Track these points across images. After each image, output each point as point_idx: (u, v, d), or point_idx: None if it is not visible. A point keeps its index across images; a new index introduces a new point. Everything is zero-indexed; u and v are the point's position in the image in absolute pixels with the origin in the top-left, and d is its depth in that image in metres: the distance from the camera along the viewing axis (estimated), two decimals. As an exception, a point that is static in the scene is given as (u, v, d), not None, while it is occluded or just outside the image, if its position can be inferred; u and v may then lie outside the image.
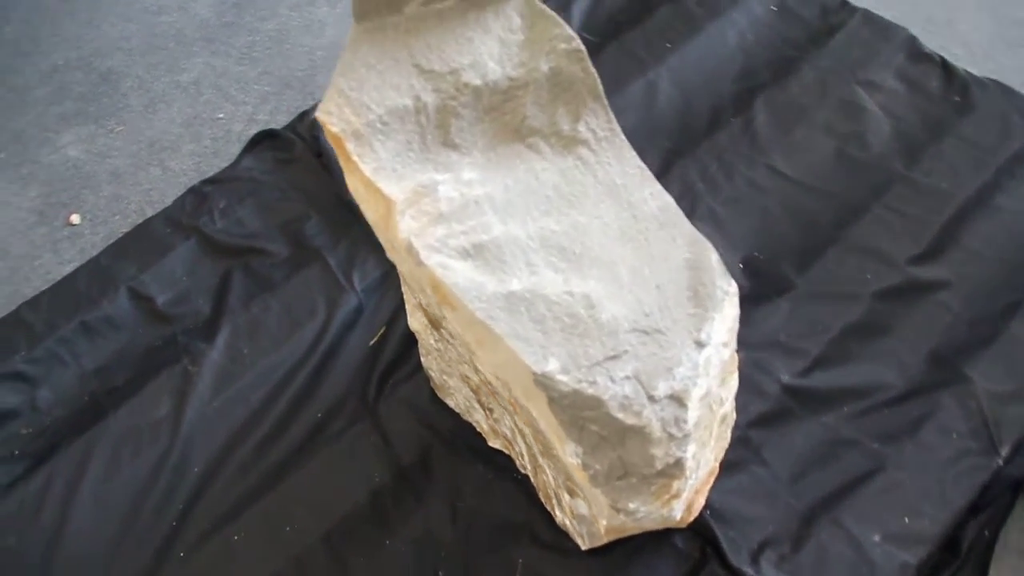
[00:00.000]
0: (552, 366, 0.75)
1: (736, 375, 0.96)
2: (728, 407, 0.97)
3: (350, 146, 0.74)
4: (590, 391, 0.77)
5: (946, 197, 1.29)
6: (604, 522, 0.90)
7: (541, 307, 0.76)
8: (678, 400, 0.80)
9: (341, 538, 1.09)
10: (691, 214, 1.30)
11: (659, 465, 0.83)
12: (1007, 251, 1.24)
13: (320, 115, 0.74)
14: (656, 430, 0.80)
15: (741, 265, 1.26)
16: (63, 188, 1.60)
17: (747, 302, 1.21)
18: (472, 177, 0.78)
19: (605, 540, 0.97)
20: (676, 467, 0.84)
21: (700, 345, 0.81)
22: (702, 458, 0.91)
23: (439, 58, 0.77)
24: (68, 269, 1.44)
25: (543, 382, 0.75)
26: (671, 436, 0.81)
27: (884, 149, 1.34)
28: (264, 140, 1.49)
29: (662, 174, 1.35)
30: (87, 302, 1.32)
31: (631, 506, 0.86)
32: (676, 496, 0.88)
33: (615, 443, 0.81)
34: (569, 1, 1.58)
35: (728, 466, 1.09)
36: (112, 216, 1.56)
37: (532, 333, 0.75)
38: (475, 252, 0.75)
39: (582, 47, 0.79)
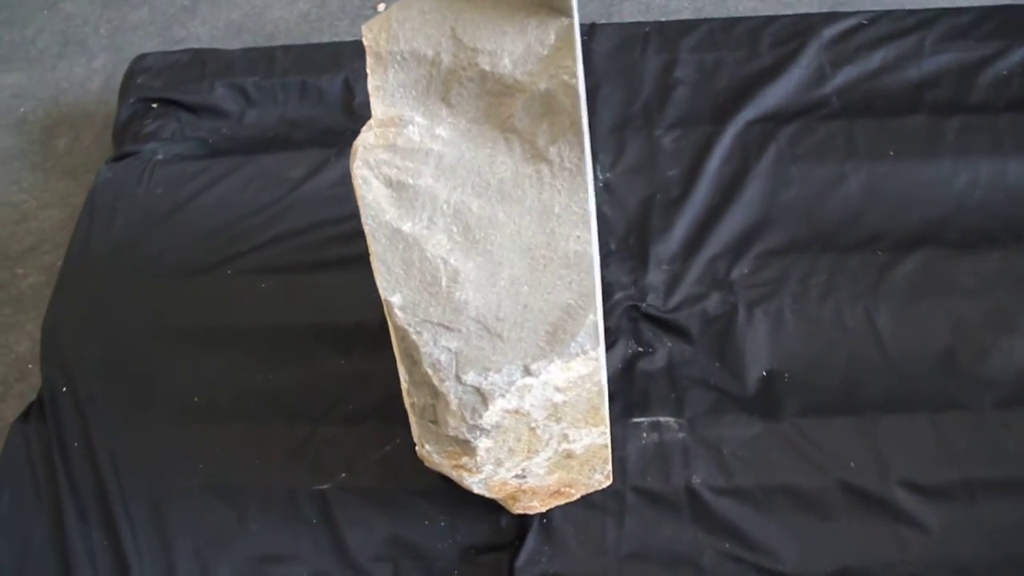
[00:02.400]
0: (395, 299, 0.90)
1: (601, 430, 1.03)
2: (578, 447, 1.04)
3: (370, 60, 0.91)
4: (413, 337, 0.91)
5: (1006, 458, 1.15)
6: (417, 447, 1.05)
7: (414, 255, 0.90)
8: (481, 395, 0.92)
9: (331, 333, 1.34)
10: (760, 301, 1.29)
11: (451, 432, 0.96)
12: (1014, 545, 1.10)
13: (364, 26, 0.91)
14: (453, 404, 0.93)
15: (764, 373, 1.24)
16: (388, -19, 1.92)
17: (732, 403, 1.22)
18: (442, 134, 0.91)
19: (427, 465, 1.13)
20: (465, 445, 0.97)
21: (526, 372, 0.91)
22: (513, 464, 1.02)
23: (471, 34, 0.89)
24: (347, 39, 1.78)
25: (386, 306, 0.91)
26: (463, 418, 0.94)
27: (993, 376, 1.20)
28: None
29: (774, 253, 1.33)
30: (316, 69, 1.64)
31: (427, 447, 1.01)
32: (466, 469, 1.01)
33: (432, 392, 0.96)
34: (844, 61, 1.51)
35: (590, 504, 1.17)
36: (400, 22, 1.85)
37: (395, 267, 0.90)
38: (396, 186, 0.90)
39: (576, 85, 0.87)
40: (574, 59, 0.87)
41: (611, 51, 1.58)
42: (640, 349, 1.28)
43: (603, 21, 1.69)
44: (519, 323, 0.91)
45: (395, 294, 0.91)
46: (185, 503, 1.22)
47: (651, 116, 1.49)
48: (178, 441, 1.27)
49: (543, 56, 0.88)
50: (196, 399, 1.31)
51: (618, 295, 1.32)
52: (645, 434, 1.21)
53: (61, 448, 1.28)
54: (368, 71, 0.92)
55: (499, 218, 0.91)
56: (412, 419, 1.02)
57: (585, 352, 0.91)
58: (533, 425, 0.97)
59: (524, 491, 1.10)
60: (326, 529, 1.19)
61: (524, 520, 1.16)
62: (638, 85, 1.53)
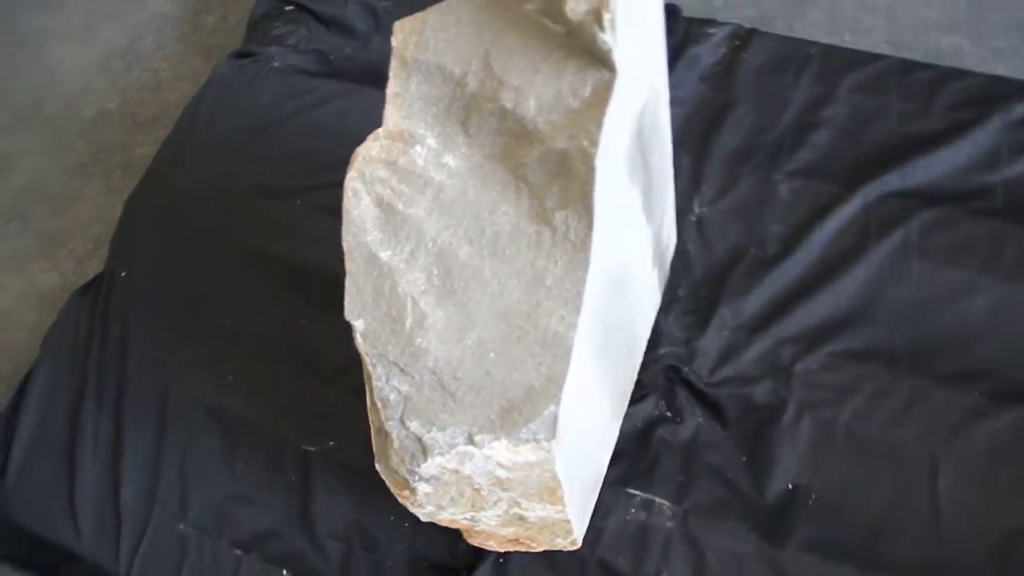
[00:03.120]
0: (359, 323, 0.85)
1: (559, 508, 0.95)
2: (532, 516, 0.97)
3: (394, 63, 0.82)
4: (369, 368, 0.86)
5: None
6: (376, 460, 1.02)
7: (386, 285, 0.83)
8: (421, 446, 0.86)
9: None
10: (816, 405, 1.13)
11: (394, 465, 0.91)
12: None
13: (396, 24, 0.82)
14: (395, 443, 0.88)
15: (790, 486, 1.10)
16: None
17: (739, 508, 1.10)
18: (450, 163, 0.82)
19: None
20: (404, 481, 0.92)
21: (470, 440, 0.84)
22: (457, 511, 0.96)
23: (503, 62, 0.78)
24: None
25: (352, 327, 0.86)
26: (403, 460, 0.88)
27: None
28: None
29: (854, 356, 1.15)
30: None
31: (379, 466, 0.96)
32: (410, 501, 0.96)
33: (381, 423, 0.90)
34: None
35: (551, 562, 1.10)
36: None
37: (366, 292, 0.84)
38: (386, 209, 0.83)
39: (595, 154, 0.74)
40: (600, 124, 0.74)
41: (761, 66, 1.38)
42: (668, 414, 1.17)
43: (774, 27, 1.48)
44: (476, 388, 0.83)
45: (359, 319, 0.85)
46: (187, 420, 1.26)
47: (778, 155, 1.31)
48: (200, 359, 1.30)
49: (572, 109, 0.77)
50: (228, 322, 1.33)
51: (664, 349, 1.19)
52: (634, 509, 1.11)
53: (103, 332, 1.35)
54: (390, 74, 0.83)
55: (485, 273, 0.82)
56: (372, 432, 0.97)
57: (537, 440, 0.82)
58: (477, 487, 0.91)
59: (478, 531, 1.05)
60: (300, 491, 1.20)
61: (481, 553, 1.11)
62: (777, 115, 1.34)
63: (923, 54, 1.47)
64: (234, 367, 1.29)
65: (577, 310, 0.80)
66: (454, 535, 1.13)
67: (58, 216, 1.64)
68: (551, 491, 0.91)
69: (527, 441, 0.83)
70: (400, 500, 0.99)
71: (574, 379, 0.84)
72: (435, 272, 0.83)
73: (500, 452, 0.84)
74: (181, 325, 1.34)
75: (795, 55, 1.38)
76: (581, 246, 0.79)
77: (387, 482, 0.97)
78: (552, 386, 0.82)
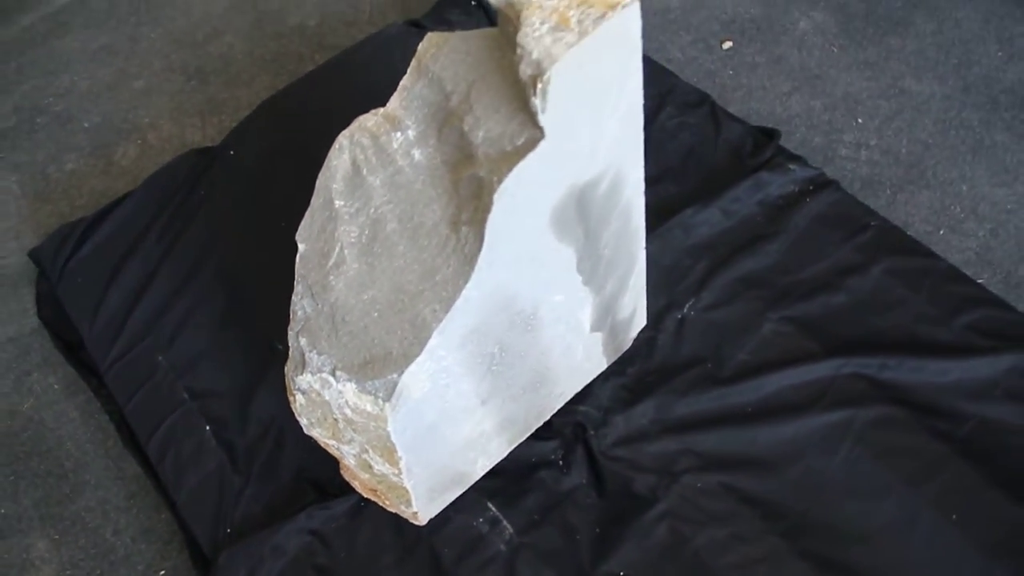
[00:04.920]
0: (301, 246, 1.03)
1: (395, 471, 1.08)
2: (376, 468, 1.11)
3: (413, 63, 0.99)
4: (294, 283, 1.04)
5: None
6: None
7: (330, 227, 1.00)
8: (303, 361, 1.02)
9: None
10: (682, 518, 1.19)
11: (287, 370, 1.08)
12: None
13: (430, 34, 0.98)
14: (290, 351, 1.05)
15: (621, 574, 1.17)
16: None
17: (567, 570, 1.17)
18: (416, 156, 0.96)
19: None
20: (290, 386, 1.09)
21: (332, 372, 0.99)
22: (323, 434, 1.11)
23: (478, 93, 0.92)
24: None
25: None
26: (291, 368, 1.05)
27: None
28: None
29: (742, 497, 1.20)
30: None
31: (286, 368, 1.13)
32: (294, 408, 1.12)
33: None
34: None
35: (395, 526, 1.24)
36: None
37: (315, 224, 1.02)
38: (355, 169, 0.99)
39: (495, 189, 0.87)
40: (511, 169, 0.88)
41: (818, 216, 1.43)
42: (560, 463, 1.26)
43: (876, 193, 1.51)
44: (353, 334, 0.99)
45: (303, 243, 1.03)
46: (211, 282, 1.50)
47: (783, 298, 1.35)
48: (248, 242, 1.54)
49: (504, 151, 0.90)
50: (283, 224, 1.55)
51: (584, 407, 1.29)
52: (482, 520, 1.22)
53: (191, 187, 1.62)
54: (408, 70, 1.00)
55: (399, 249, 0.97)
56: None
57: (375, 396, 0.97)
58: (336, 417, 1.06)
59: (346, 467, 1.20)
60: (256, 375, 1.40)
61: (349, 491, 1.26)
62: (805, 264, 1.38)
63: (1003, 278, 1.45)
64: (268, 259, 1.51)
65: (447, 310, 0.94)
66: (336, 466, 1.29)
67: (225, 91, 1.95)
68: (388, 451, 1.05)
69: (369, 393, 0.97)
70: (290, 404, 1.16)
71: (430, 366, 0.97)
72: (366, 233, 0.99)
73: (349, 393, 0.99)
74: (248, 210, 1.58)
75: (855, 219, 1.41)
76: (469, 261, 0.93)
77: (287, 383, 1.15)
78: (403, 360, 0.95)
